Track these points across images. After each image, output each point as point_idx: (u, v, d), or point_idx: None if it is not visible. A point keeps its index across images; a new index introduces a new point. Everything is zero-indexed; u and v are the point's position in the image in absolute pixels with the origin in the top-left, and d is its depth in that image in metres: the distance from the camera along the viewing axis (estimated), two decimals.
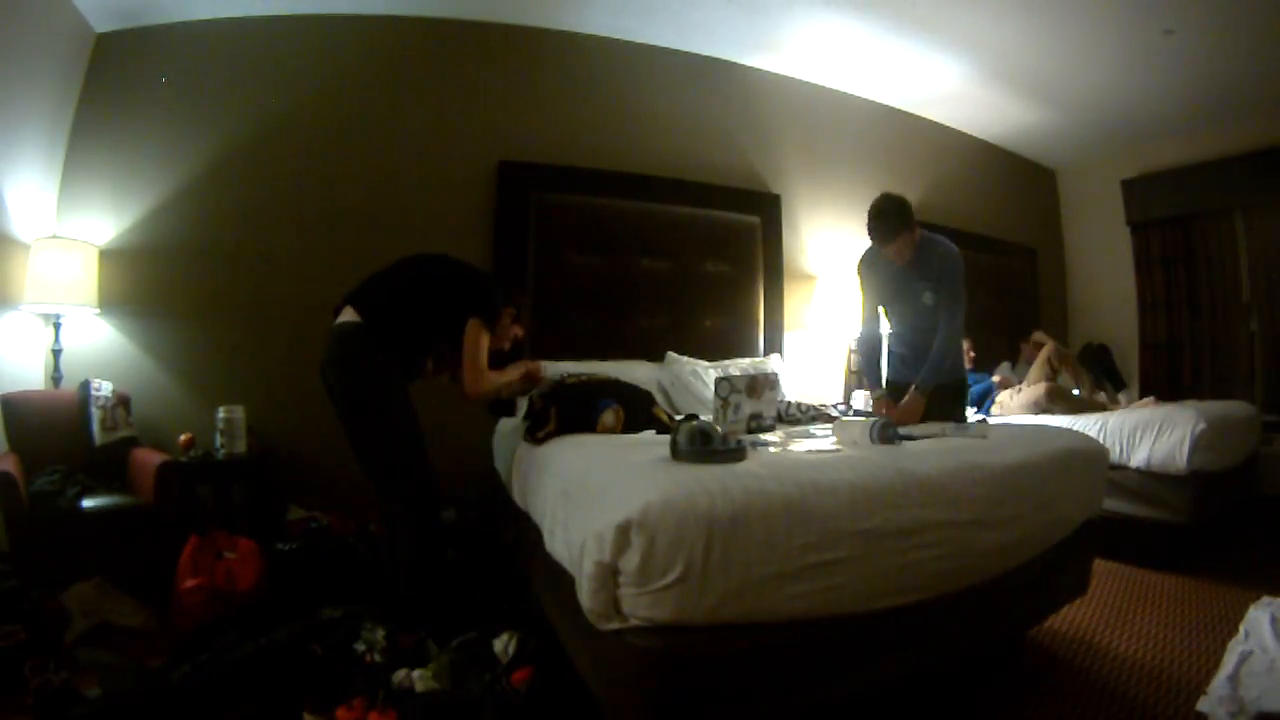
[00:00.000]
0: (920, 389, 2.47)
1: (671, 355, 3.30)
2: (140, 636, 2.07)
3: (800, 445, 1.73)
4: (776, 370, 3.39)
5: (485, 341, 2.08)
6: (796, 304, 4.03)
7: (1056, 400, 3.40)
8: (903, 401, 2.51)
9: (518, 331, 2.36)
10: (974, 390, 3.72)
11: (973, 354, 3.96)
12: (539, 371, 2.34)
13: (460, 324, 2.07)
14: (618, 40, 3.65)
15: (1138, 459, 2.97)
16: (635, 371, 3.08)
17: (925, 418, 2.41)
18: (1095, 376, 3.77)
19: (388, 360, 2.00)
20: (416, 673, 1.69)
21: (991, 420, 3.23)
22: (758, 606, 1.21)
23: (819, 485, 1.29)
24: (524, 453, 2.07)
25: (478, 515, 2.75)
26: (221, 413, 2.66)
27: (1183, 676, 1.89)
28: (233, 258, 2.99)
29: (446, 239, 3.23)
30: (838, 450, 1.65)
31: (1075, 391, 3.60)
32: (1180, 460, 2.84)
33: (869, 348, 2.82)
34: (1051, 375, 3.59)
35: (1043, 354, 3.64)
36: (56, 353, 2.65)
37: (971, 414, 3.57)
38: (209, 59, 3.02)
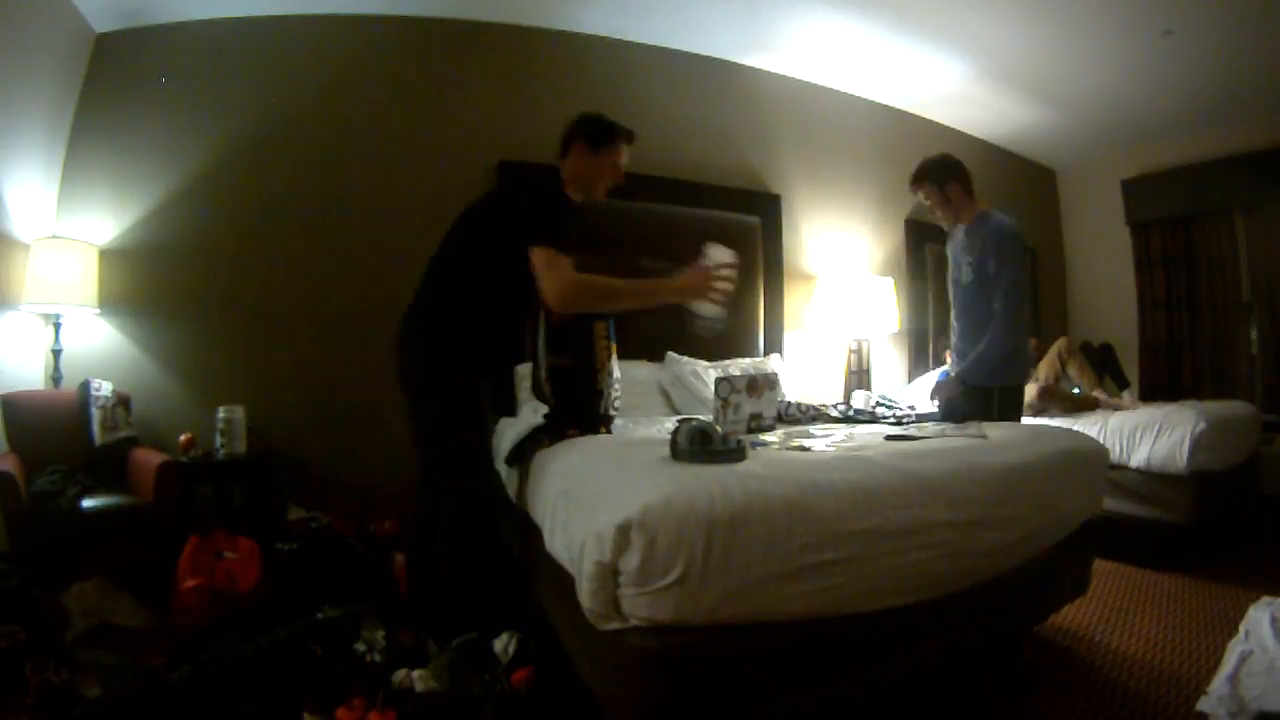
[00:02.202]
0: (961, 377, 2.36)
1: (671, 355, 3.29)
2: (140, 636, 2.07)
3: (800, 445, 1.73)
4: (776, 370, 3.39)
5: (559, 261, 1.75)
6: (796, 304, 4.04)
7: (1049, 401, 3.40)
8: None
9: (612, 161, 2.00)
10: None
11: None
12: (705, 282, 1.96)
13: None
14: (617, 40, 3.65)
15: (1138, 459, 2.98)
16: (635, 372, 3.08)
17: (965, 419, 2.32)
18: (1100, 375, 3.77)
19: (460, 367, 1.89)
20: (416, 673, 1.68)
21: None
22: (758, 607, 1.21)
23: (819, 485, 1.29)
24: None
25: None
26: (221, 413, 2.66)
27: (1183, 676, 1.89)
28: (233, 258, 2.99)
29: None
30: (838, 450, 1.65)
31: (1076, 390, 3.60)
32: (1180, 460, 2.84)
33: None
34: (1060, 370, 3.59)
35: (1053, 349, 3.64)
36: (56, 353, 2.65)
37: None
38: (209, 59, 3.01)
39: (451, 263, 1.93)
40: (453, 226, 2.00)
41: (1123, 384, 4.05)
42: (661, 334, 3.47)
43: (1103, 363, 4.00)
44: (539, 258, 1.75)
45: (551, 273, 1.75)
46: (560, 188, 1.95)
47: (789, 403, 2.63)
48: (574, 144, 1.98)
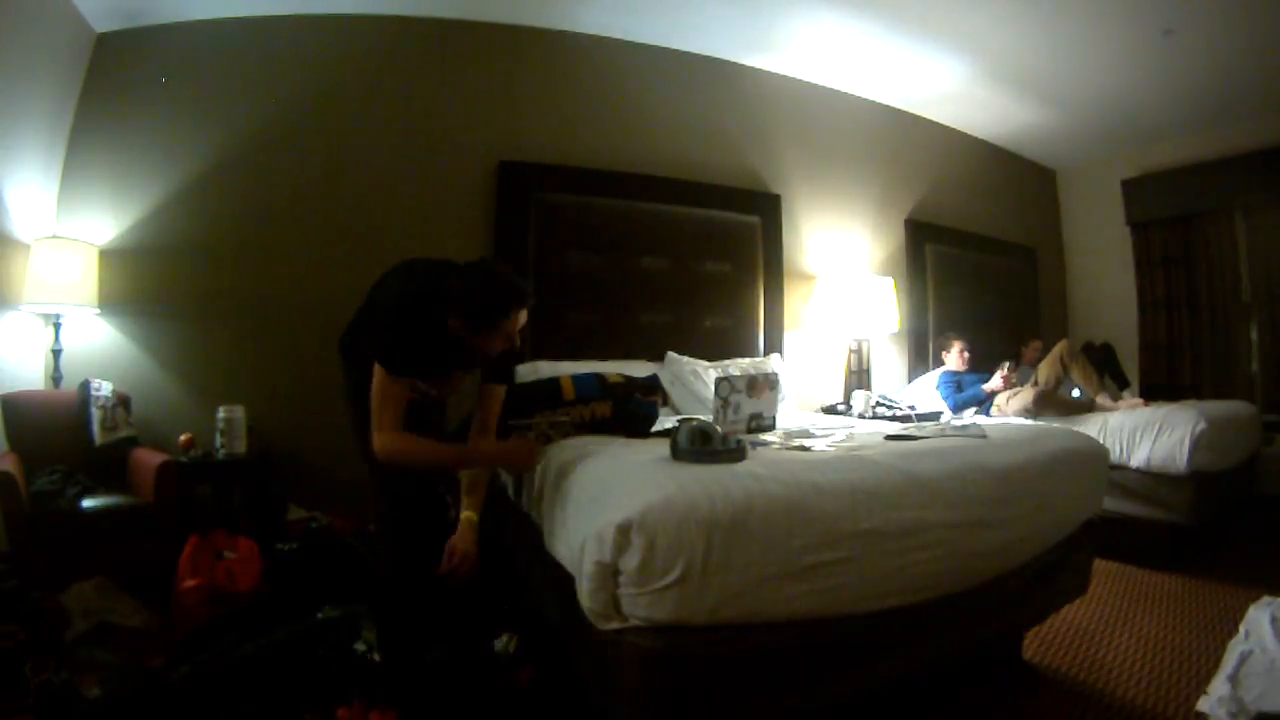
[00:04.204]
0: None
1: (672, 355, 3.30)
2: (140, 636, 2.07)
3: (800, 445, 1.73)
4: (776, 370, 3.39)
5: (392, 390, 1.60)
6: (796, 304, 4.03)
7: (1045, 406, 3.39)
8: None
9: (510, 334, 1.68)
10: (970, 392, 3.71)
11: (966, 354, 3.96)
12: (525, 460, 1.80)
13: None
14: (618, 40, 3.64)
15: (1138, 459, 2.97)
16: (636, 371, 3.08)
17: None
18: (1100, 376, 3.77)
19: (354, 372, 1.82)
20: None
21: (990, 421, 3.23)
22: (758, 607, 1.21)
23: (819, 486, 1.29)
24: None
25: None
26: (221, 413, 2.66)
27: (1183, 676, 1.89)
28: (233, 258, 2.99)
29: (447, 239, 3.24)
30: (838, 450, 1.65)
31: (1076, 392, 3.60)
32: (1180, 460, 2.84)
33: None
34: (1062, 373, 3.59)
35: (1054, 351, 3.64)
36: (56, 353, 2.65)
37: (970, 414, 3.58)
38: (209, 59, 3.01)
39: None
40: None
41: (1123, 384, 4.06)
42: (661, 333, 3.48)
43: (1103, 363, 4.00)
44: (376, 376, 1.62)
45: (375, 413, 1.61)
46: (431, 323, 1.65)
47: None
48: (450, 319, 1.63)
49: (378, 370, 1.62)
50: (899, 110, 4.51)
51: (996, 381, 3.66)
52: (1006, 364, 3.72)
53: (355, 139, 3.18)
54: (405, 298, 1.71)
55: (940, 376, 3.90)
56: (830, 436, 1.90)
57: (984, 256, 4.80)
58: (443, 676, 1.74)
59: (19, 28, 2.47)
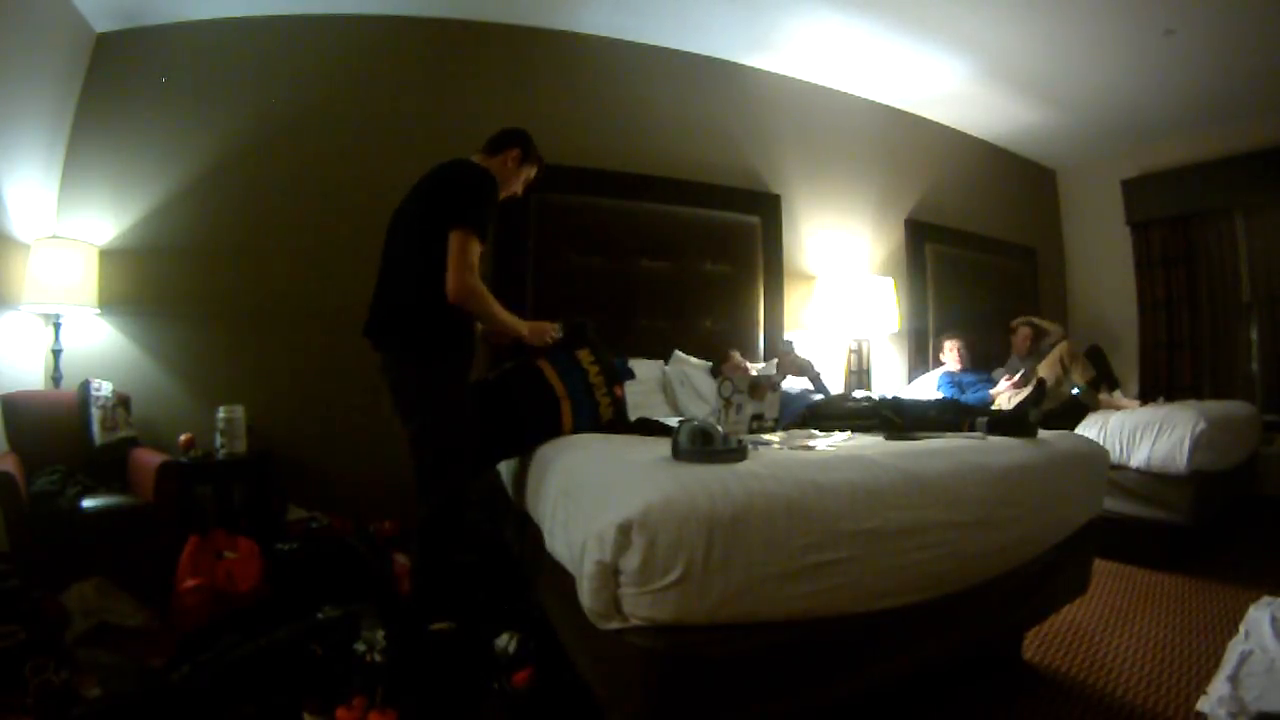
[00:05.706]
0: None
1: (678, 354, 3.30)
2: (140, 636, 2.07)
3: (802, 445, 1.73)
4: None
5: (474, 247, 1.83)
6: (796, 304, 4.03)
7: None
8: None
9: (527, 176, 2.27)
10: (976, 396, 3.71)
11: (962, 353, 3.96)
12: (544, 335, 2.13)
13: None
14: (618, 40, 3.65)
15: (1138, 459, 2.97)
16: (638, 369, 3.07)
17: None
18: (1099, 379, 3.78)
19: (428, 368, 1.91)
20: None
21: None
22: (758, 607, 1.21)
23: (820, 485, 1.29)
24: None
25: (479, 514, 2.75)
26: (221, 413, 2.67)
27: (1183, 676, 1.89)
28: (233, 258, 2.99)
29: None
30: (839, 450, 1.65)
31: (1076, 390, 3.60)
32: (1180, 460, 2.84)
33: None
34: (1062, 373, 3.59)
35: (1055, 352, 3.65)
36: (56, 353, 2.65)
37: None
38: (209, 59, 3.02)
39: (409, 262, 1.94)
40: (396, 225, 2.05)
41: (1113, 385, 4.06)
42: (662, 334, 3.48)
43: (1094, 365, 4.01)
44: (456, 241, 1.82)
45: (460, 262, 1.82)
46: (495, 182, 2.03)
47: None
48: (509, 150, 2.20)
49: (461, 234, 1.82)
50: (899, 110, 4.50)
51: (1003, 387, 3.66)
52: (1019, 374, 3.72)
53: (355, 139, 3.18)
54: (476, 174, 1.98)
55: (940, 377, 3.90)
56: (831, 437, 1.90)
57: (984, 256, 4.80)
58: (443, 658, 1.75)
59: (19, 28, 2.47)
